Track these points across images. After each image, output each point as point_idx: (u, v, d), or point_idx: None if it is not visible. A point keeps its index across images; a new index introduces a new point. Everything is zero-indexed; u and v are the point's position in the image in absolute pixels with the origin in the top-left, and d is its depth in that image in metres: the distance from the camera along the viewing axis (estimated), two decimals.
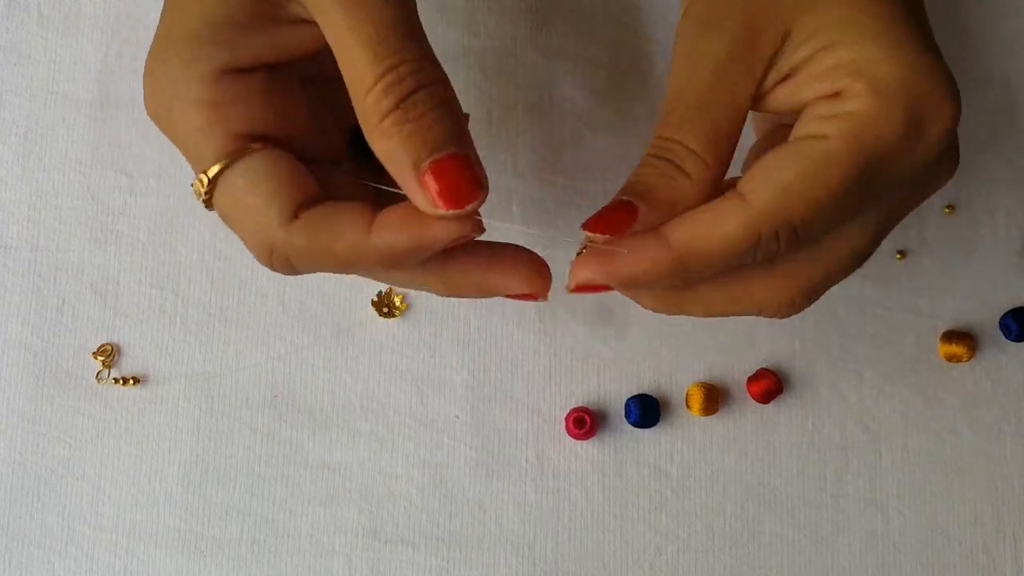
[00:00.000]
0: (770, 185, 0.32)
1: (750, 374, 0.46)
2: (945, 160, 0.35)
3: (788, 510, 0.46)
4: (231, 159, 0.33)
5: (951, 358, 0.47)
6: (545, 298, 0.35)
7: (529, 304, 0.46)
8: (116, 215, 0.47)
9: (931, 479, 0.46)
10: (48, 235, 0.47)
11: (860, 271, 0.47)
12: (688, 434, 0.46)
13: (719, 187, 0.34)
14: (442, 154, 0.31)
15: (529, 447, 0.46)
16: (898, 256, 0.47)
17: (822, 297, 0.47)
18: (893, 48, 0.32)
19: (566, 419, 0.46)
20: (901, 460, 0.46)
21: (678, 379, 0.47)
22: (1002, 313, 0.47)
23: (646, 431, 0.46)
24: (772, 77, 0.34)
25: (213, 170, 0.33)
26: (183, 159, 0.47)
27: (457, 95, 0.33)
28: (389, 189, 0.34)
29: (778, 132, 0.37)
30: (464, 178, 0.31)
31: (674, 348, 0.47)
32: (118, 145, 0.47)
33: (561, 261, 0.36)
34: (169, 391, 0.46)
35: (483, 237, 0.33)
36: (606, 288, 0.34)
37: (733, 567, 0.46)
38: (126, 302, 0.46)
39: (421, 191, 0.31)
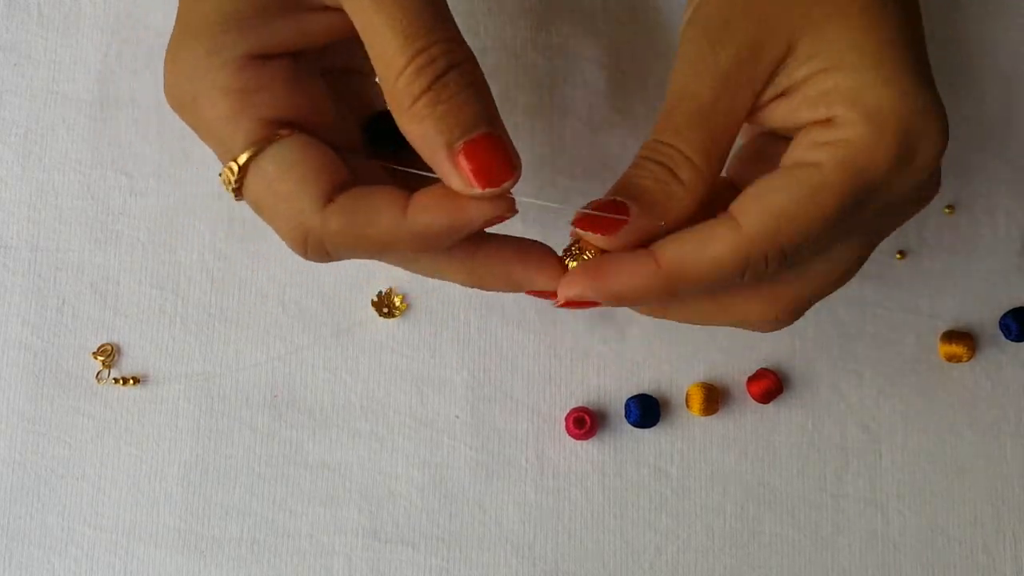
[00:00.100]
0: (763, 210, 0.32)
1: (750, 374, 0.46)
2: (928, 186, 0.36)
3: (788, 510, 0.46)
4: (260, 146, 0.33)
5: (951, 358, 0.47)
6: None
7: (529, 304, 0.46)
8: (116, 215, 0.47)
9: (931, 479, 0.46)
10: (48, 235, 0.47)
11: (860, 271, 0.47)
12: (688, 434, 0.46)
13: (710, 195, 0.34)
14: (475, 134, 0.31)
15: (529, 447, 0.46)
16: (898, 256, 0.47)
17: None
18: (889, 77, 0.33)
19: (566, 419, 0.46)
20: (901, 460, 0.46)
21: (678, 379, 0.47)
22: (1002, 313, 0.47)
23: (646, 431, 0.46)
24: (770, 92, 0.34)
25: (243, 158, 0.33)
26: (183, 159, 0.47)
27: None
28: (412, 171, 0.34)
29: (762, 139, 0.38)
30: (498, 157, 0.31)
31: (674, 348, 0.47)
32: (118, 145, 0.47)
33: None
34: (169, 391, 0.46)
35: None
36: (594, 304, 0.34)
37: (733, 567, 0.46)
38: (126, 302, 0.46)
39: (456, 172, 0.31)
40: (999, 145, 0.48)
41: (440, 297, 0.47)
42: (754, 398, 0.46)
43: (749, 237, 0.32)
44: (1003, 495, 0.46)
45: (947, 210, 0.47)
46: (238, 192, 0.34)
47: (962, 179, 0.47)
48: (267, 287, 0.47)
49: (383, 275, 0.46)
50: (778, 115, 0.35)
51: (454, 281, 0.35)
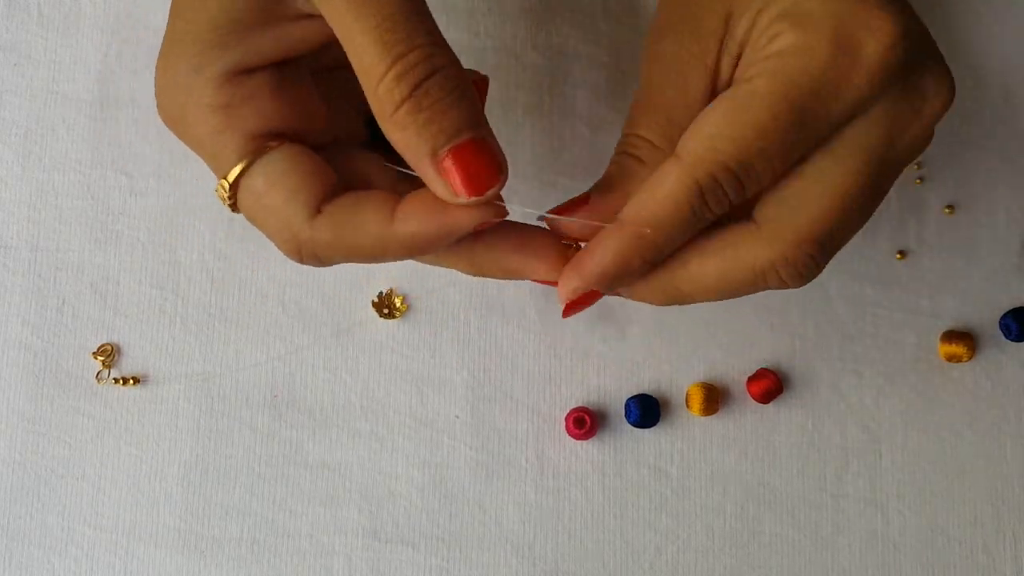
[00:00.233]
0: (698, 136, 0.33)
1: (750, 374, 0.46)
2: (925, 81, 0.34)
3: (788, 510, 0.46)
4: (249, 160, 0.33)
5: (951, 358, 0.47)
6: None
7: (529, 304, 0.46)
8: (116, 215, 0.47)
9: (931, 479, 0.46)
10: (48, 235, 0.47)
11: (860, 270, 0.47)
12: (688, 434, 0.46)
13: None
14: (459, 140, 0.31)
15: (529, 447, 0.46)
16: (898, 256, 0.47)
17: (822, 298, 0.47)
18: None
19: (566, 419, 0.46)
20: (901, 460, 0.46)
21: (678, 379, 0.47)
22: (1002, 313, 0.47)
23: (646, 431, 0.46)
24: (727, 62, 0.35)
25: (233, 173, 0.33)
26: (183, 159, 0.47)
27: None
28: (414, 172, 0.34)
29: None
30: (483, 163, 0.31)
31: (674, 348, 0.47)
32: (118, 145, 0.47)
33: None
34: (169, 391, 0.46)
35: None
36: (594, 296, 0.35)
37: (733, 567, 0.46)
38: (126, 302, 0.46)
39: (440, 179, 0.31)
40: (999, 145, 0.48)
41: (440, 297, 0.47)
42: (754, 398, 0.46)
43: (690, 163, 0.32)
44: (1003, 495, 0.46)
45: (947, 210, 0.47)
46: (233, 207, 0.34)
47: (962, 179, 0.47)
48: (267, 287, 0.47)
49: (384, 276, 0.46)
50: (742, 75, 0.34)
51: (456, 269, 0.35)
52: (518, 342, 0.46)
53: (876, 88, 0.32)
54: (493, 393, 0.46)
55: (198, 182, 0.47)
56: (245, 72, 0.34)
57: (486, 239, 0.34)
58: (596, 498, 0.46)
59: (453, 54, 0.32)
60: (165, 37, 0.34)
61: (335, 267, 0.45)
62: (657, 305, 0.36)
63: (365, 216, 0.33)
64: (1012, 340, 0.47)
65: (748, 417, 0.46)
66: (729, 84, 0.35)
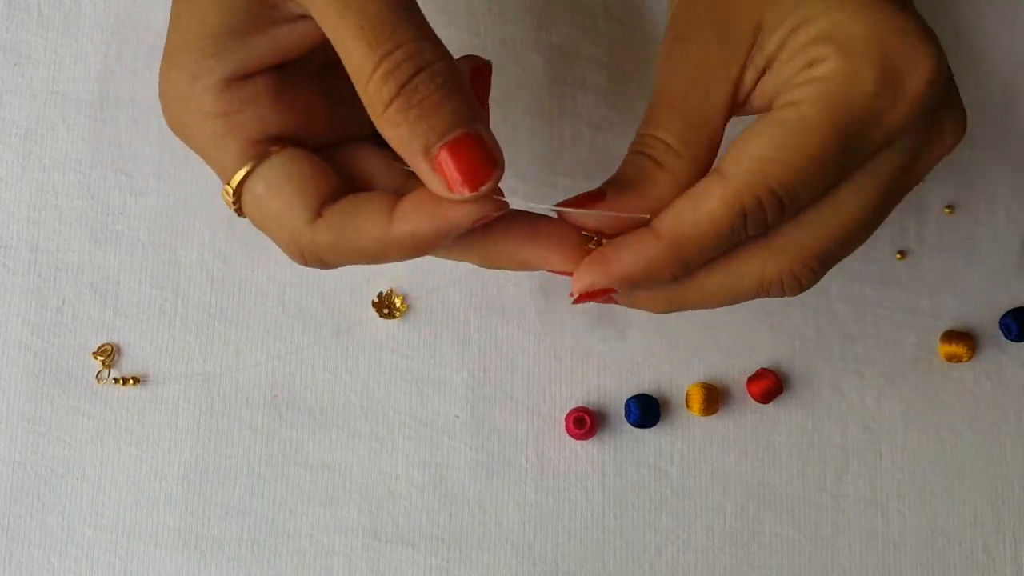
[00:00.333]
0: (747, 157, 0.32)
1: (750, 374, 0.46)
2: (945, 119, 0.34)
3: (788, 510, 0.46)
4: (251, 166, 0.33)
5: (951, 358, 0.47)
6: None
7: (529, 304, 0.46)
8: (116, 215, 0.47)
9: (931, 479, 0.46)
10: (48, 235, 0.47)
11: (860, 271, 0.47)
12: (688, 434, 0.46)
13: (698, 180, 0.34)
14: (452, 136, 0.31)
15: (529, 447, 0.46)
16: (898, 256, 0.47)
17: (822, 298, 0.47)
18: (858, 9, 0.32)
19: (566, 419, 0.46)
20: (901, 460, 0.46)
21: (678, 379, 0.47)
22: (1002, 313, 0.47)
23: (646, 431, 0.46)
24: (751, 75, 0.34)
25: (236, 179, 0.34)
26: (183, 159, 0.47)
27: None
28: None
29: None
30: (478, 158, 0.31)
31: (674, 348, 0.47)
32: (118, 145, 0.47)
33: None
34: (169, 391, 0.46)
35: None
36: (609, 293, 0.34)
37: (733, 567, 0.46)
38: (126, 302, 0.46)
39: (435, 176, 0.31)
40: (999, 145, 0.48)
41: (440, 297, 0.47)
42: (754, 398, 0.46)
43: (737, 186, 0.32)
44: (1003, 495, 0.46)
45: (947, 210, 0.47)
46: (239, 212, 0.35)
47: (962, 179, 0.47)
48: (267, 287, 0.47)
49: (384, 276, 0.46)
50: (769, 89, 0.34)
51: (468, 262, 0.35)
52: (518, 342, 0.46)
53: (911, 123, 0.33)
54: (493, 393, 0.46)
55: (198, 182, 0.47)
56: (243, 78, 0.34)
57: (497, 231, 0.34)
58: (596, 498, 0.46)
59: (444, 49, 0.32)
60: (165, 48, 0.35)
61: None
62: (656, 313, 0.36)
63: (364, 218, 0.33)
64: (1012, 340, 0.47)
65: (748, 417, 0.46)
66: (750, 95, 0.35)
